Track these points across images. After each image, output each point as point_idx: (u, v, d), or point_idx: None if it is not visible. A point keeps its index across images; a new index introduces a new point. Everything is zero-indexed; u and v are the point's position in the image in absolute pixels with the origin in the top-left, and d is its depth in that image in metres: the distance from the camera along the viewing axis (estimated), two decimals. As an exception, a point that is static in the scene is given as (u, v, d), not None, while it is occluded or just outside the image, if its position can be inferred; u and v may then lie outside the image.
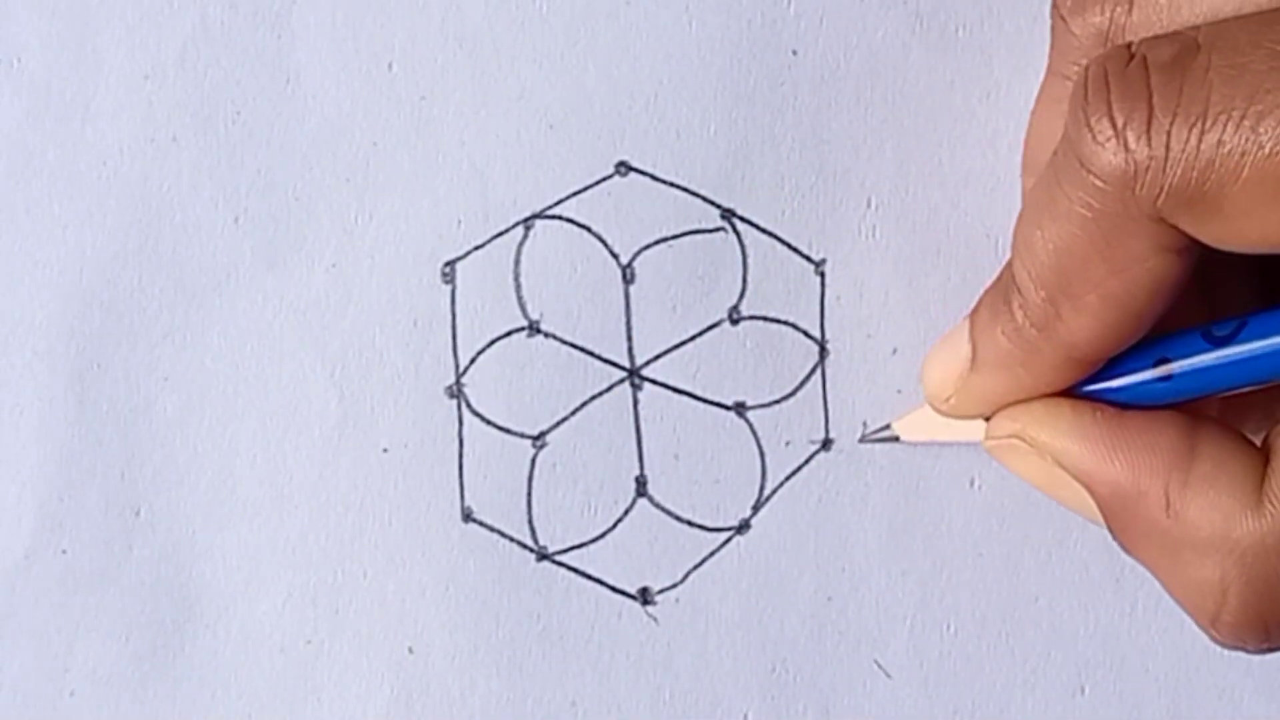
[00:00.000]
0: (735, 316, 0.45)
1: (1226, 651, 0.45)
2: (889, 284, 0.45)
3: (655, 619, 0.45)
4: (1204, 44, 0.34)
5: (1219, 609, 0.36)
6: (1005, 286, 0.39)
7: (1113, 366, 0.39)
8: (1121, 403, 0.38)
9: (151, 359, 0.45)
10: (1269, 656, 0.45)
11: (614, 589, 0.45)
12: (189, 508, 0.45)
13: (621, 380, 0.45)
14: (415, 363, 0.45)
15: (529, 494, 0.45)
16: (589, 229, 0.45)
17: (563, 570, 0.45)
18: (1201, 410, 0.39)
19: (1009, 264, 0.39)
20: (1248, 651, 0.37)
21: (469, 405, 0.45)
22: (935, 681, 0.46)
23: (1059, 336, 0.38)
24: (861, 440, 0.45)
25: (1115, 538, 0.38)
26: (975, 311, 0.40)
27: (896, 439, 0.45)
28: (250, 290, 0.45)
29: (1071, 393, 0.39)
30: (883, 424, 0.45)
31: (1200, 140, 0.34)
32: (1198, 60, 0.34)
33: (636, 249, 0.45)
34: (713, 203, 0.45)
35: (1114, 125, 0.35)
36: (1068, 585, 0.46)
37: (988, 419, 0.41)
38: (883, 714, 0.46)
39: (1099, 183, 0.35)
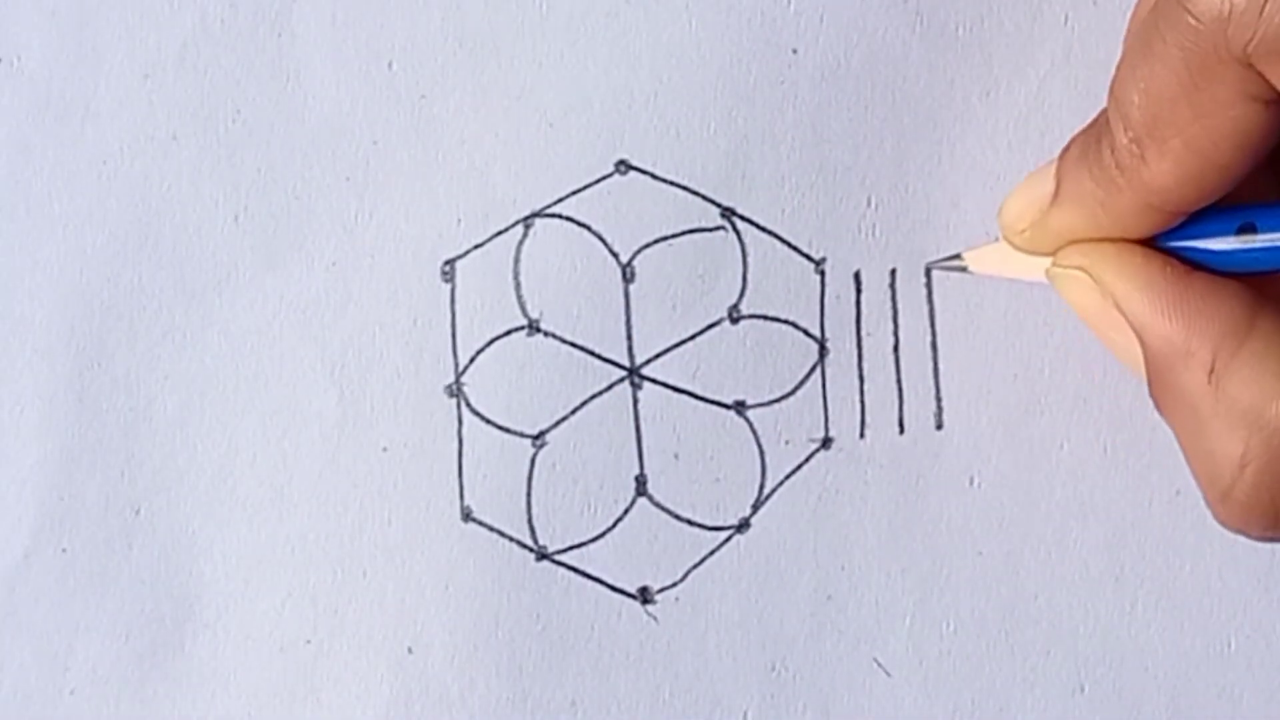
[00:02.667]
0: (735, 315, 0.45)
1: (1226, 651, 0.45)
2: (889, 283, 0.45)
3: (655, 618, 0.45)
4: None
5: (1233, 483, 0.36)
6: (1098, 127, 0.39)
7: (1193, 225, 0.38)
8: (1193, 262, 0.38)
9: (151, 358, 0.45)
10: (1268, 657, 0.46)
11: (614, 588, 0.45)
12: (189, 507, 0.45)
13: (621, 379, 0.45)
14: (415, 362, 0.45)
15: (528, 493, 0.45)
16: (589, 228, 0.45)
17: (562, 570, 0.45)
18: (1269, 289, 0.39)
19: (1104, 108, 0.39)
20: (1249, 537, 0.37)
21: (468, 404, 0.45)
22: (935, 680, 0.46)
23: (1141, 180, 0.37)
24: (929, 267, 0.45)
25: (1151, 394, 0.38)
26: (1065, 150, 0.40)
27: (965, 269, 0.44)
28: (250, 289, 0.45)
29: (1146, 243, 0.39)
30: (952, 254, 0.44)
31: None
32: None
33: (636, 248, 0.45)
34: (713, 201, 0.45)
35: None
36: (1067, 584, 0.46)
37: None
38: (882, 712, 0.46)
39: (1194, 21, 0.35)
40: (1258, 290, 0.38)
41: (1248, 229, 0.38)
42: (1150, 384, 0.38)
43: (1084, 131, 0.40)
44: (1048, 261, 0.41)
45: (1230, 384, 0.36)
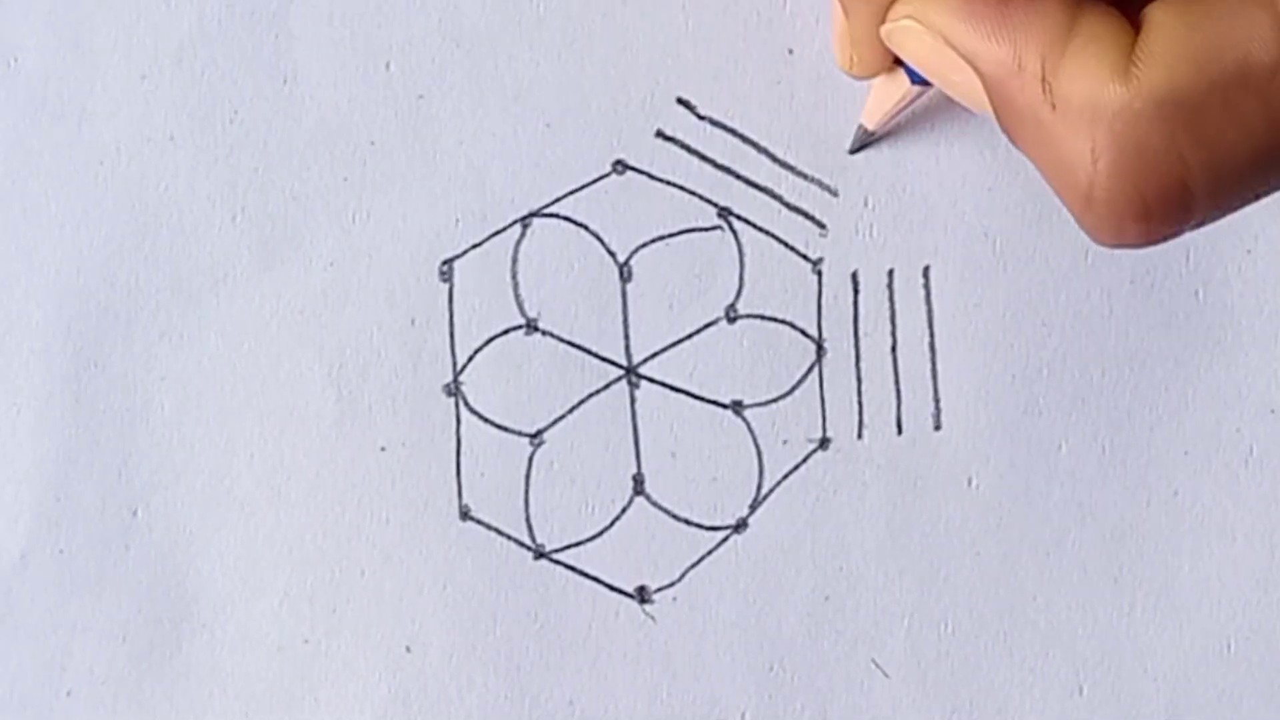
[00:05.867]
0: (732, 315, 0.45)
1: (1225, 651, 0.45)
2: (886, 283, 0.45)
3: (653, 617, 0.45)
4: None
5: (1091, 184, 0.35)
6: None
7: None
8: None
9: (149, 358, 0.45)
10: (1268, 658, 0.45)
11: (611, 587, 0.45)
12: (186, 507, 0.45)
13: (619, 378, 0.45)
14: (413, 361, 0.45)
15: (526, 492, 0.45)
16: (586, 227, 0.45)
17: (560, 568, 0.45)
18: None
19: None
20: (1129, 245, 0.36)
21: (467, 403, 0.45)
22: (933, 681, 0.46)
23: None
24: (852, 152, 0.45)
25: (1002, 126, 0.37)
26: None
27: (870, 132, 0.44)
28: (248, 289, 0.45)
29: None
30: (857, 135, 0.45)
31: None
32: None
33: (634, 247, 0.45)
34: (710, 201, 0.45)
35: None
36: (1066, 585, 0.46)
37: (898, 64, 0.41)
38: (880, 713, 0.46)
39: None
40: None
41: None
42: (998, 116, 0.37)
43: None
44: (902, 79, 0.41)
45: (1062, 85, 0.35)
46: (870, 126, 0.44)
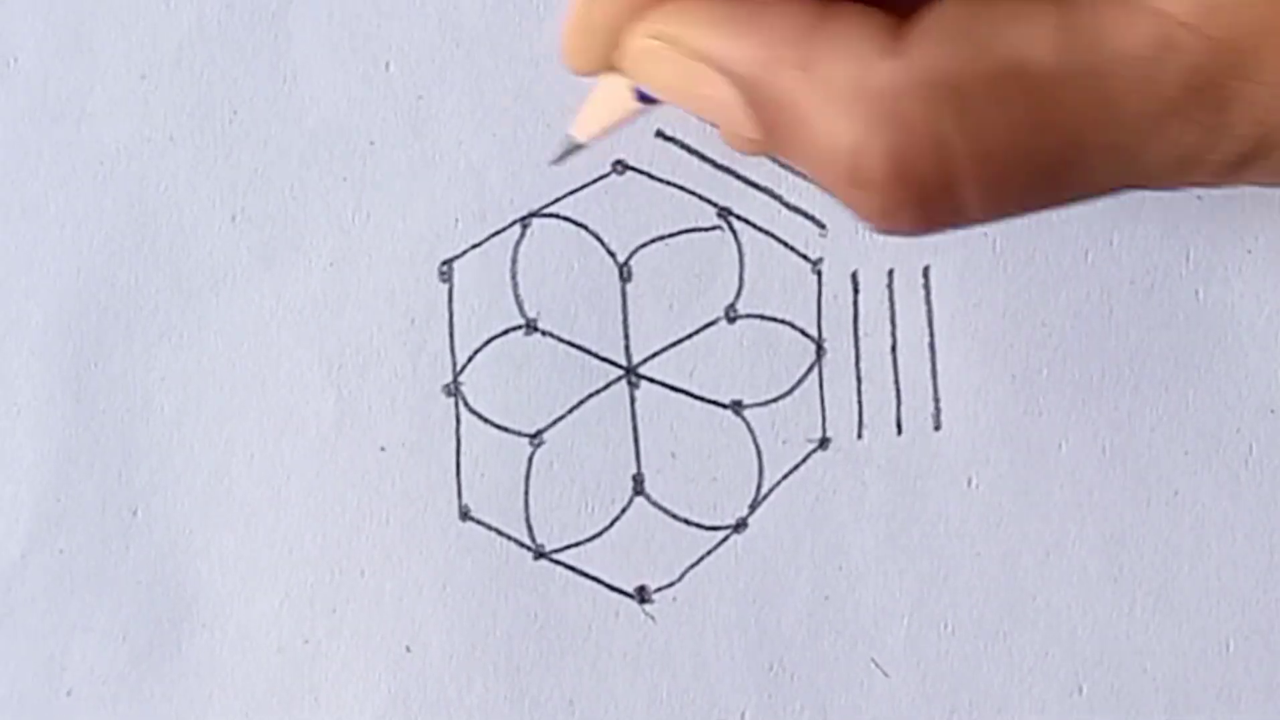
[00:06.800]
0: (732, 315, 0.45)
1: (1225, 651, 0.45)
2: (886, 283, 0.45)
3: (652, 617, 0.45)
4: None
5: (856, 163, 0.34)
6: None
7: None
8: None
9: (149, 358, 0.45)
10: (1268, 658, 0.46)
11: (611, 587, 0.45)
12: (186, 507, 0.45)
13: (619, 378, 0.45)
14: (413, 361, 0.45)
15: (526, 492, 0.45)
16: (586, 227, 0.45)
17: (560, 569, 0.45)
18: None
19: None
20: (905, 232, 0.35)
21: (466, 404, 0.45)
22: (932, 681, 0.46)
23: None
24: (554, 163, 0.43)
25: (763, 133, 0.36)
26: None
27: (579, 144, 0.42)
28: (247, 289, 0.45)
29: None
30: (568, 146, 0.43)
31: None
32: None
33: (633, 247, 0.45)
34: (709, 201, 0.45)
35: None
36: (1065, 584, 0.46)
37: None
38: (880, 713, 0.46)
39: None
40: None
41: None
42: (759, 120, 0.36)
43: None
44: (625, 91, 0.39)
45: (824, 67, 0.34)
46: (581, 139, 0.41)
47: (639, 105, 0.39)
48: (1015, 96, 0.33)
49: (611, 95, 0.40)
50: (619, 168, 0.45)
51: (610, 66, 0.38)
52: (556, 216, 0.45)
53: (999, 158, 0.34)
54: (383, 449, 0.45)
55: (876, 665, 0.46)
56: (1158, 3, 0.32)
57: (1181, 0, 0.32)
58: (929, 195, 0.34)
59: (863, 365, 0.46)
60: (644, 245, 0.45)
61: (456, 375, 0.45)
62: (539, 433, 0.45)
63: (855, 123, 0.34)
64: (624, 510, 0.45)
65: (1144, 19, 0.33)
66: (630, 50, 0.37)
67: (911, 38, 0.34)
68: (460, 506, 0.45)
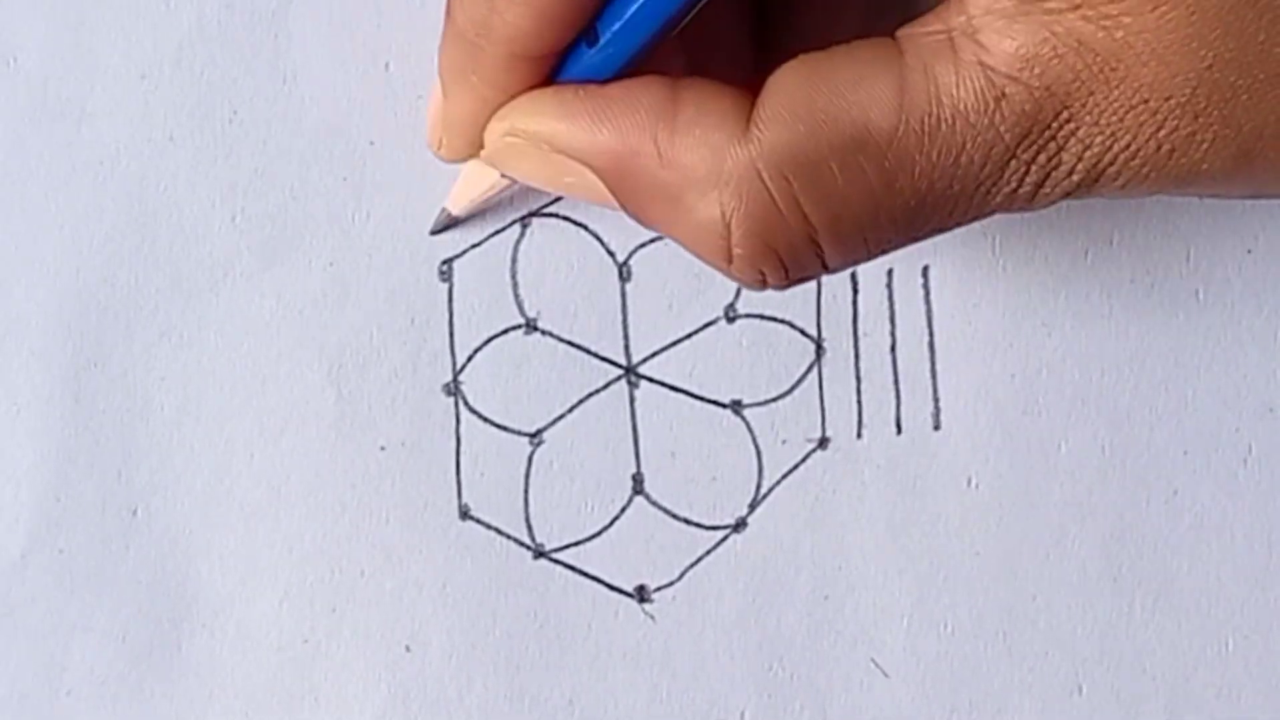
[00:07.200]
0: (732, 314, 0.45)
1: (1225, 651, 0.45)
2: (885, 282, 0.45)
3: (652, 617, 0.45)
4: None
5: (727, 244, 0.36)
6: (450, 6, 0.38)
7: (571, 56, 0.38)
8: (603, 80, 0.38)
9: (148, 358, 0.45)
10: (1267, 657, 0.46)
11: (611, 587, 0.45)
12: (186, 507, 0.45)
13: (618, 378, 0.45)
14: (413, 361, 0.45)
15: (526, 491, 0.45)
16: (586, 227, 0.45)
17: (560, 568, 0.45)
18: (699, 53, 0.39)
19: None
20: (776, 288, 0.37)
21: (466, 403, 0.45)
22: (932, 681, 0.46)
23: (499, 34, 0.37)
24: (433, 233, 0.44)
25: (630, 211, 0.38)
26: (440, 43, 0.40)
27: (454, 217, 0.44)
28: (247, 289, 0.45)
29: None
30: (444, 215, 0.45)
31: None
32: None
33: (633, 247, 0.45)
34: (709, 201, 0.45)
35: None
36: (1065, 584, 0.46)
37: None
38: (879, 713, 0.46)
39: None
40: (688, 56, 0.39)
41: (593, 35, 0.37)
42: (623, 203, 0.38)
43: (445, 13, 0.39)
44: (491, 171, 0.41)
45: (680, 157, 0.36)
46: (455, 212, 0.44)
47: (507, 181, 0.41)
48: (861, 161, 0.35)
49: (481, 175, 0.42)
50: (619, 167, 0.45)
51: (476, 152, 0.40)
52: (556, 216, 0.45)
53: (851, 219, 0.36)
54: (382, 448, 0.45)
55: (876, 665, 0.46)
56: (985, 59, 0.34)
57: (1005, 56, 0.34)
58: (793, 260, 0.37)
59: (862, 365, 0.46)
60: (644, 245, 0.45)
61: (456, 374, 0.45)
62: (539, 432, 0.45)
63: (714, 206, 0.36)
64: (624, 510, 0.45)
65: (974, 75, 0.35)
66: (491, 145, 0.39)
67: (760, 117, 0.36)
68: (460, 506, 0.45)
